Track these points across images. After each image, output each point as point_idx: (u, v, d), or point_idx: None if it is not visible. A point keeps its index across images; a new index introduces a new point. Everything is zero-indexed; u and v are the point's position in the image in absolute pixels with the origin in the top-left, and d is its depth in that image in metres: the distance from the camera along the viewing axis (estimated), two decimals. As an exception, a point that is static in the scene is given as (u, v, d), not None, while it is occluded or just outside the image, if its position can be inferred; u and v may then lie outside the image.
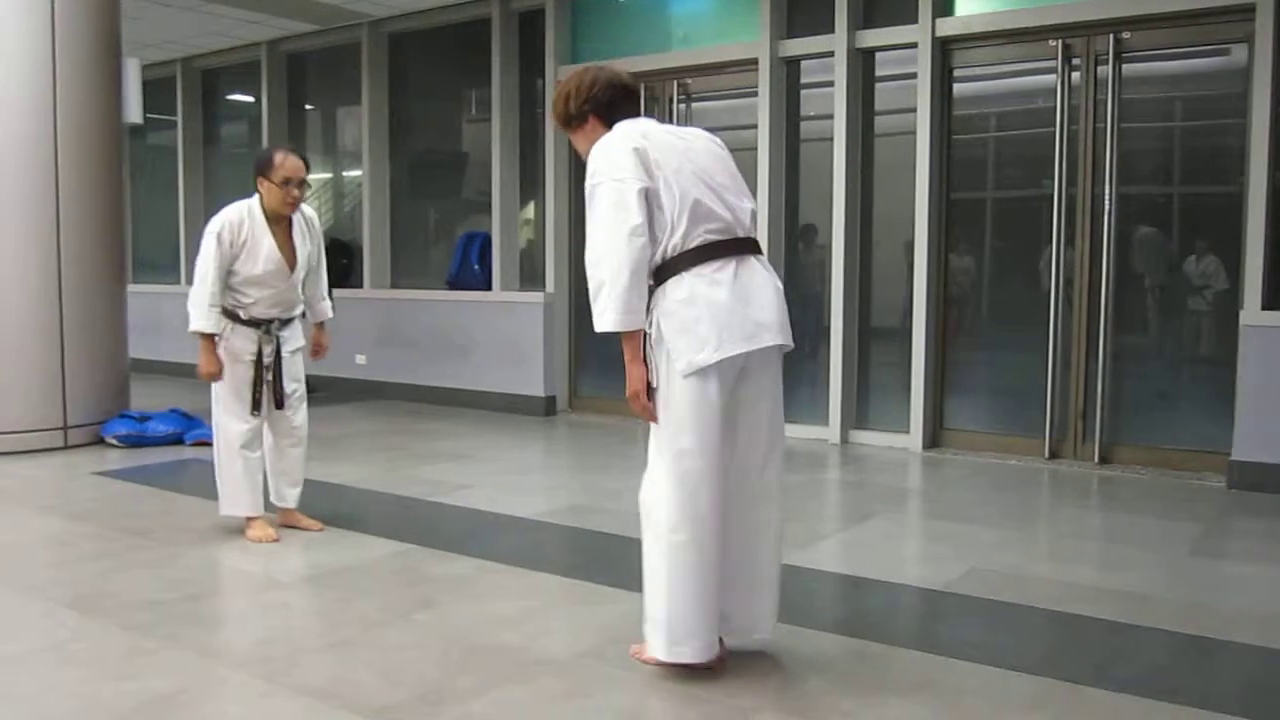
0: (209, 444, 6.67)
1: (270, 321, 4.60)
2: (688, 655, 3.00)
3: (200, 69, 11.15)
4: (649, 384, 2.96)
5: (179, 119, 11.18)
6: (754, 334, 2.93)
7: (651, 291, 2.96)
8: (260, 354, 4.58)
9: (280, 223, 4.61)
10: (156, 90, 10.61)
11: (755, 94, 7.35)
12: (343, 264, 9.78)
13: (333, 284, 9.64)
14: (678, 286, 2.93)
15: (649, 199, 2.92)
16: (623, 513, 5.21)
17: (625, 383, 2.95)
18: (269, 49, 10.27)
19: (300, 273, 4.65)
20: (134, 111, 7.38)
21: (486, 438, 7.20)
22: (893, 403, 7.09)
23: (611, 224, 2.89)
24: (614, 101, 3.19)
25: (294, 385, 4.73)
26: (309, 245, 4.72)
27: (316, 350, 4.88)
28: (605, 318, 2.88)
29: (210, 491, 4.81)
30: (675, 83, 7.81)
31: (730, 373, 2.96)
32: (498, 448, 6.92)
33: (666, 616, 2.98)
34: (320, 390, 9.34)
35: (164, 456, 6.53)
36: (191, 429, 6.93)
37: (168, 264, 11.45)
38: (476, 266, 8.88)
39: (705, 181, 2.99)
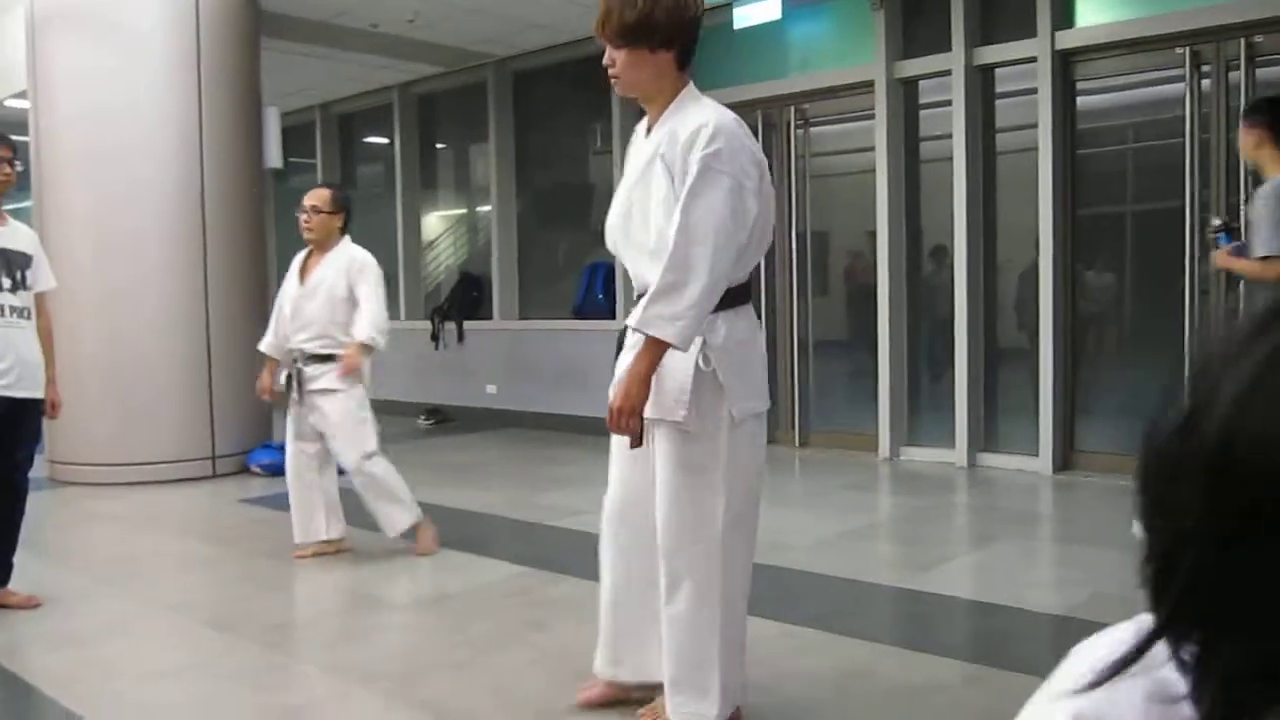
0: (343, 471, 6.98)
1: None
2: (728, 710, 2.74)
3: (337, 114, 11.67)
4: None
5: (318, 162, 11.71)
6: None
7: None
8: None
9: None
10: (297, 135, 11.14)
11: (872, 116, 7.32)
12: (474, 296, 10.08)
13: (465, 315, 9.95)
14: (736, 324, 2.65)
15: None
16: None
17: (618, 394, 2.58)
18: (400, 91, 10.69)
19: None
20: (274, 157, 7.78)
21: (606, 464, 7.29)
22: (1021, 425, 6.92)
23: (727, 230, 2.48)
24: (693, 48, 2.69)
25: None
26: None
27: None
28: (674, 327, 2.45)
29: (348, 517, 5.01)
30: (792, 109, 7.84)
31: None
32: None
33: (721, 682, 2.68)
34: (452, 419, 9.63)
35: (278, 486, 6.80)
36: (329, 458, 7.22)
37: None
38: (600, 296, 9.04)
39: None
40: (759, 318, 2.74)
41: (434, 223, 11.14)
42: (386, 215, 11.02)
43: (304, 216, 4.78)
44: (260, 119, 7.56)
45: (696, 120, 2.56)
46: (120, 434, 6.77)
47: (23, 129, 7.75)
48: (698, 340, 2.55)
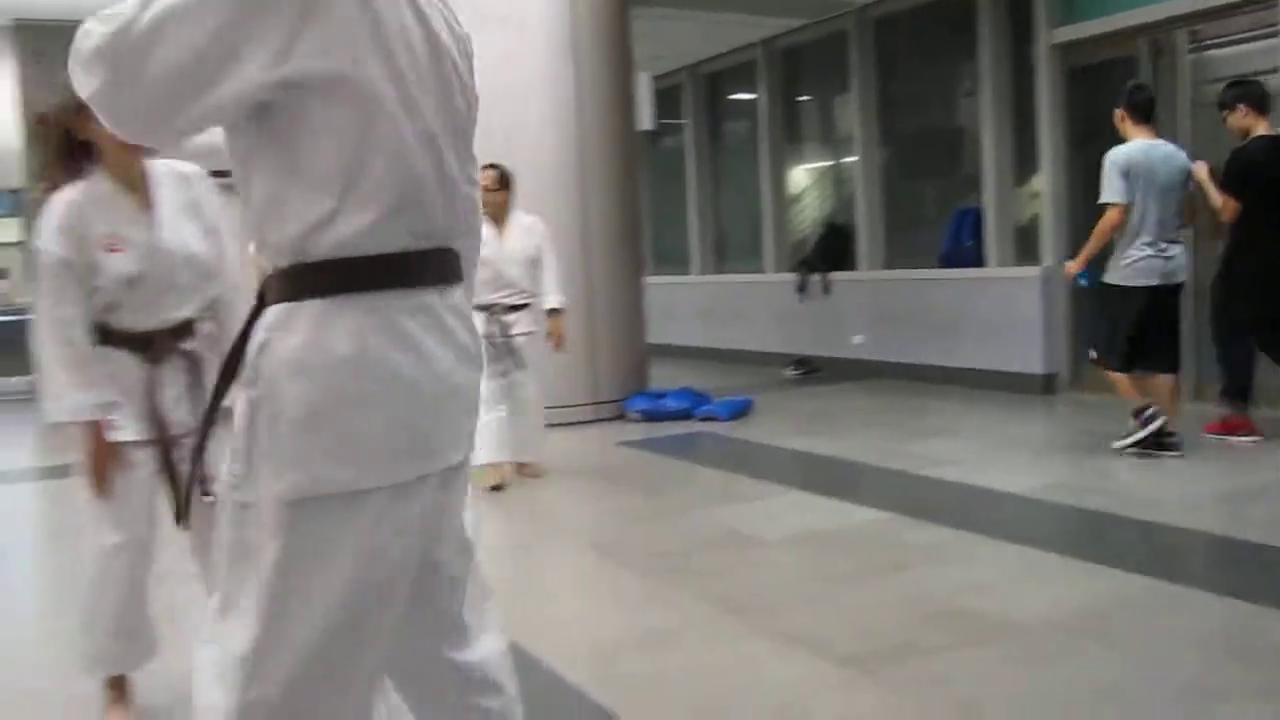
0: (716, 419, 7.31)
1: None
2: None
3: (704, 74, 12.03)
4: None
5: (687, 122, 12.14)
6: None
7: None
8: None
9: None
10: (666, 98, 11.61)
11: (1275, 35, 6.57)
12: (839, 247, 10.11)
13: (830, 267, 10.01)
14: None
15: None
16: (1115, 491, 4.99)
17: None
18: (764, 47, 10.85)
19: None
20: (647, 119, 8.21)
21: (979, 415, 7.14)
22: None
23: None
24: None
25: None
26: None
27: None
28: None
29: (718, 461, 5.29)
30: (1185, 31, 7.18)
31: None
32: (990, 424, 6.83)
33: None
34: (819, 369, 9.75)
35: (676, 429, 7.21)
36: (700, 404, 7.58)
37: (678, 257, 12.46)
38: (969, 243, 8.77)
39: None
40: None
41: (799, 176, 11.25)
42: (753, 170, 11.27)
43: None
44: (632, 83, 7.99)
45: None
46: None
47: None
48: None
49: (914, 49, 9.59)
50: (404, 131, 1.47)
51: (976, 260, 8.67)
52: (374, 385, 1.45)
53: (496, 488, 5.40)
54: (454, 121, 1.60)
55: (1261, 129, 5.72)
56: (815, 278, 10.07)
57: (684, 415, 7.52)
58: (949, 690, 2.83)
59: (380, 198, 1.46)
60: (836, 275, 9.95)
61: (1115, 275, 5.58)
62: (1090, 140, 7.28)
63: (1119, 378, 5.61)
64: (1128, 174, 5.41)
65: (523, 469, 5.75)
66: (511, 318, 5.51)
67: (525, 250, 5.57)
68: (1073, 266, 5.83)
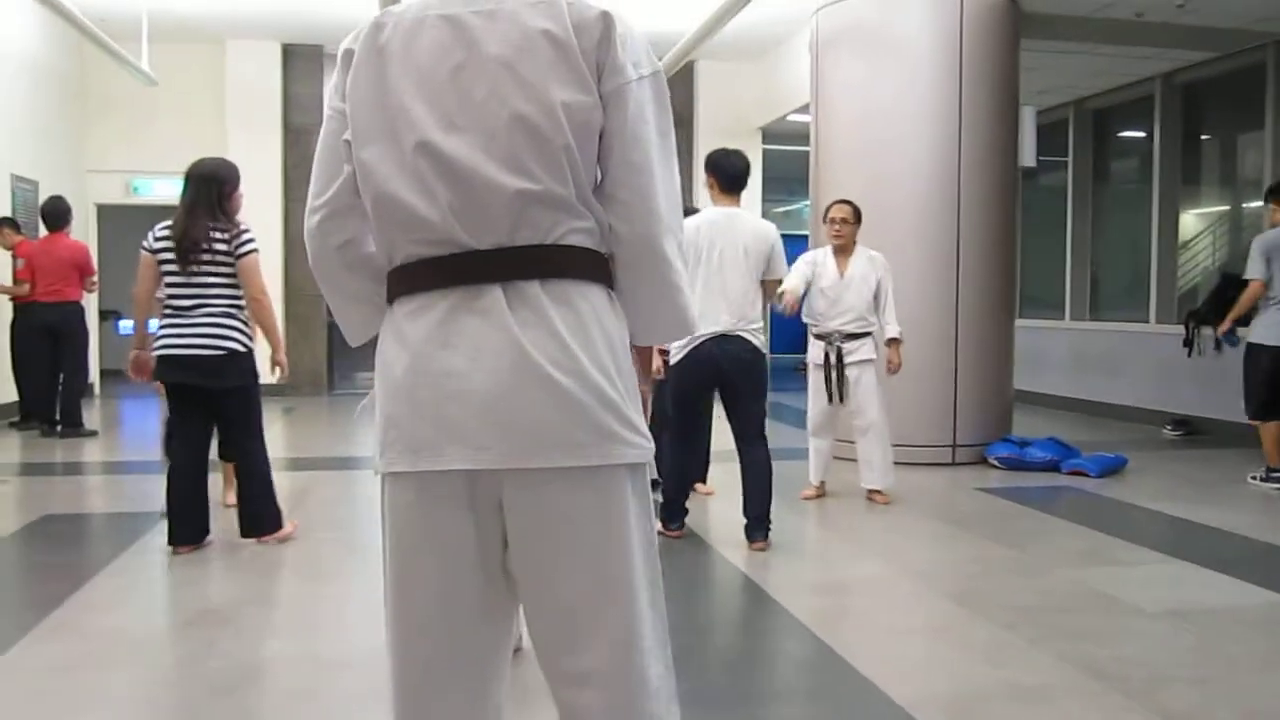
0: (1085, 474, 6.87)
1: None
2: None
3: (1091, 109, 11.37)
4: None
5: (1069, 159, 11.52)
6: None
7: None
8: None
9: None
10: (1048, 133, 11.07)
11: None
12: (1236, 300, 9.19)
13: (1221, 317, 9.17)
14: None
15: None
16: None
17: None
18: (1163, 82, 10.10)
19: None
20: (1028, 155, 7.88)
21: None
22: None
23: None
24: None
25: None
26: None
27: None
28: (695, 317, 1.77)
29: (1085, 519, 4.96)
30: None
31: None
32: None
33: None
34: (1202, 432, 8.89)
35: (1040, 481, 6.83)
36: (1068, 458, 7.13)
37: (1054, 300, 11.81)
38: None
39: None
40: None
41: (1191, 221, 10.37)
42: (1139, 213, 10.51)
43: (835, 227, 5.80)
44: (1016, 118, 7.68)
45: None
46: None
47: (803, 139, 8.76)
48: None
49: (1344, 84, 8.59)
50: (371, 155, 1.56)
51: None
52: (379, 383, 1.62)
53: (809, 497, 6.03)
54: (488, 127, 1.53)
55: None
56: (1206, 331, 9.22)
57: (1049, 467, 7.11)
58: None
59: (375, 218, 1.60)
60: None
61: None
62: None
63: None
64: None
65: (872, 496, 6.01)
66: (849, 345, 5.76)
67: (866, 280, 5.75)
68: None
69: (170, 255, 4.73)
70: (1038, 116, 9.47)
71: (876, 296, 5.78)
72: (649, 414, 1.76)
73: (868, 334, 5.79)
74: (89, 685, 3.28)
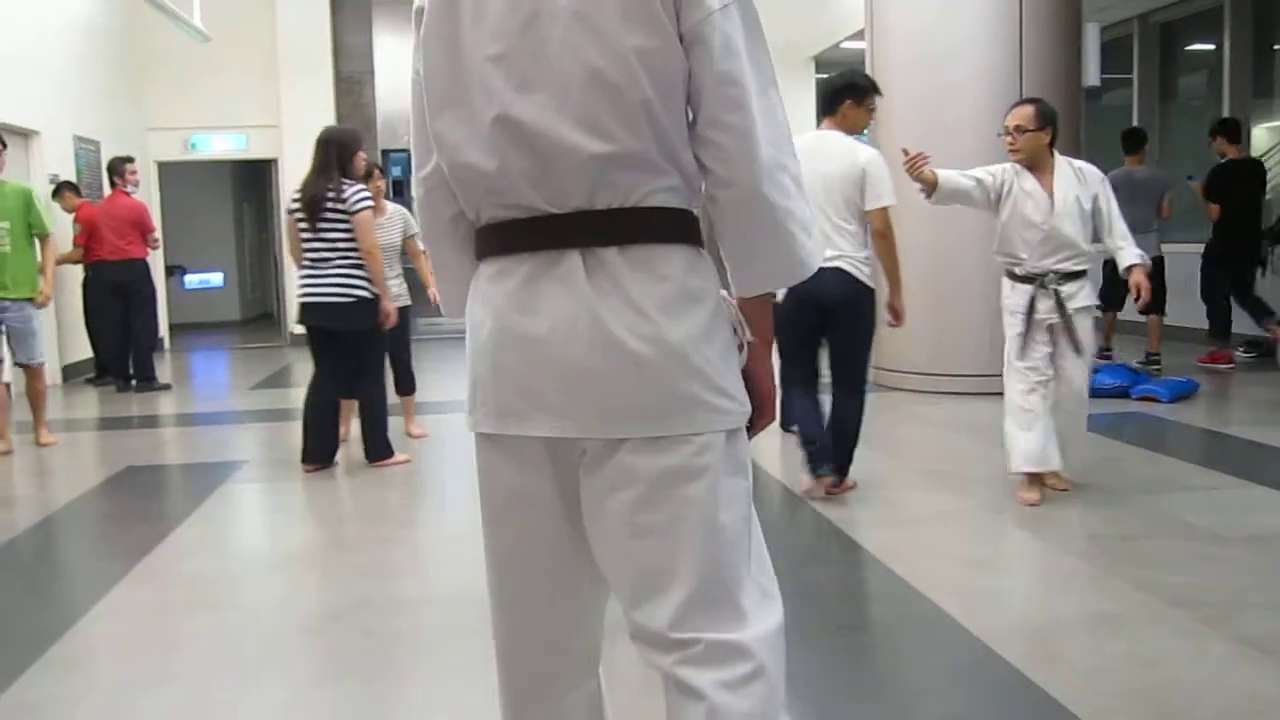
0: (1156, 399, 6.76)
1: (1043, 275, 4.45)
2: None
3: (1157, 23, 11.02)
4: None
5: (1134, 77, 11.19)
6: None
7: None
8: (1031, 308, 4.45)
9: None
10: (1112, 51, 10.76)
11: None
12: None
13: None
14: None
15: None
16: None
17: (764, 387, 1.66)
18: (1233, -8, 9.76)
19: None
20: (1093, 74, 7.66)
21: None
22: None
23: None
24: None
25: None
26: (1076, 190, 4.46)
27: None
28: (817, 255, 1.62)
29: (1158, 445, 4.90)
30: None
31: None
32: None
33: None
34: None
35: (1109, 408, 6.73)
36: (1138, 383, 7.03)
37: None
38: None
39: None
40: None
41: (1263, 136, 10.05)
42: (1207, 128, 10.20)
43: (1008, 138, 4.57)
44: (1079, 36, 7.47)
45: None
46: (939, 348, 7.31)
47: (857, 67, 8.59)
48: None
49: None
50: (444, 123, 1.56)
51: None
52: (469, 340, 1.63)
53: (1034, 504, 4.47)
54: (562, 84, 1.47)
55: None
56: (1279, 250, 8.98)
57: (1119, 393, 7.00)
58: None
59: (455, 183, 1.61)
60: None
61: None
62: None
63: None
64: None
65: (1050, 481, 4.60)
66: (1069, 288, 4.46)
67: (1081, 202, 4.45)
68: None
69: (301, 214, 5.27)
70: (1102, 33, 9.20)
71: (1096, 215, 4.51)
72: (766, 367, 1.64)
73: (1084, 272, 4.54)
74: (181, 628, 3.40)
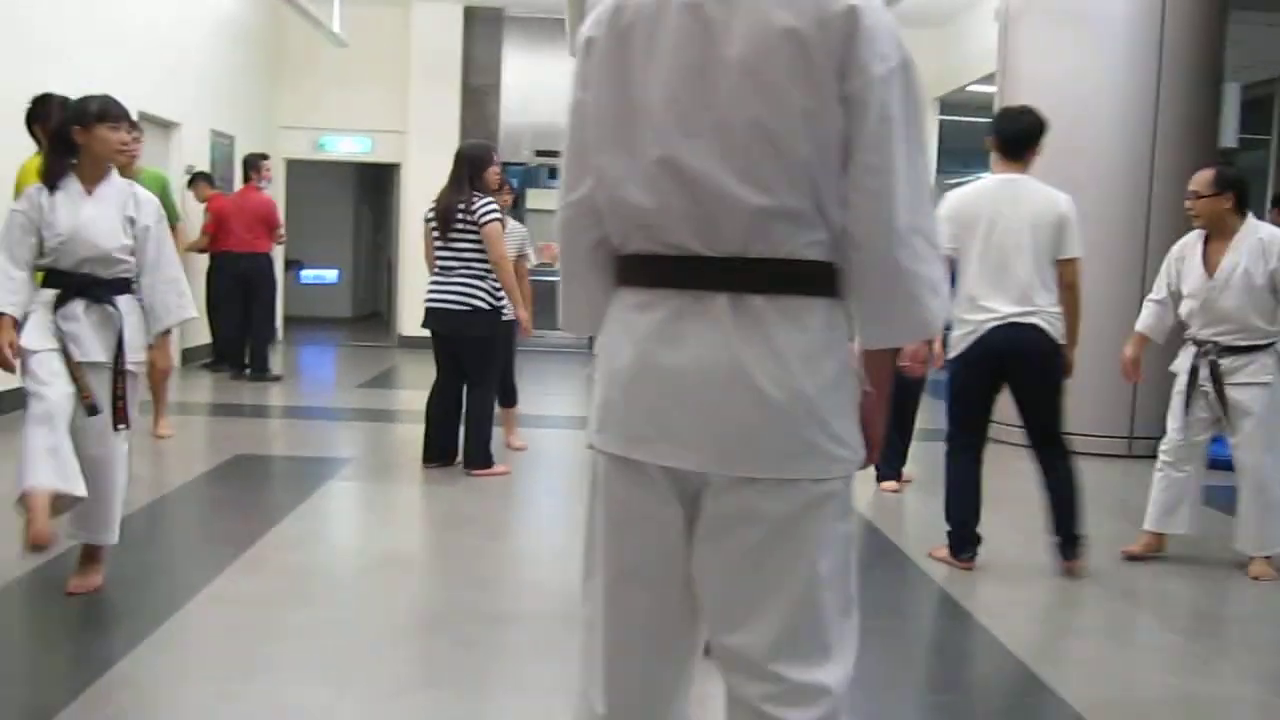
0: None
1: None
2: None
3: (1301, 85, 10.65)
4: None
5: (1273, 138, 10.83)
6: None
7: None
8: None
9: None
10: (1250, 110, 10.42)
11: None
12: None
13: None
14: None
15: None
16: None
17: (874, 435, 1.68)
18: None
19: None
20: (1230, 135, 7.44)
21: None
22: None
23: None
24: None
25: None
26: None
27: None
28: (942, 316, 1.66)
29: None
30: None
31: None
32: None
33: None
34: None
35: (1224, 480, 6.48)
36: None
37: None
38: None
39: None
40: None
41: None
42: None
43: (1188, 203, 4.54)
44: (1218, 95, 7.27)
45: None
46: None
47: (985, 110, 8.50)
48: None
49: None
50: (607, 158, 1.61)
51: None
52: (601, 362, 1.68)
53: (1134, 557, 4.53)
54: (727, 134, 1.52)
55: None
56: None
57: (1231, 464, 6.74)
58: None
59: (609, 214, 1.64)
60: None
61: None
62: None
63: None
64: None
65: (1254, 565, 4.41)
66: (1229, 361, 4.34)
67: (1251, 275, 4.28)
68: None
69: (435, 225, 5.56)
70: (1242, 93, 8.93)
71: (1276, 292, 4.30)
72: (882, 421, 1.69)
73: (1258, 347, 4.33)
74: (281, 620, 3.50)
